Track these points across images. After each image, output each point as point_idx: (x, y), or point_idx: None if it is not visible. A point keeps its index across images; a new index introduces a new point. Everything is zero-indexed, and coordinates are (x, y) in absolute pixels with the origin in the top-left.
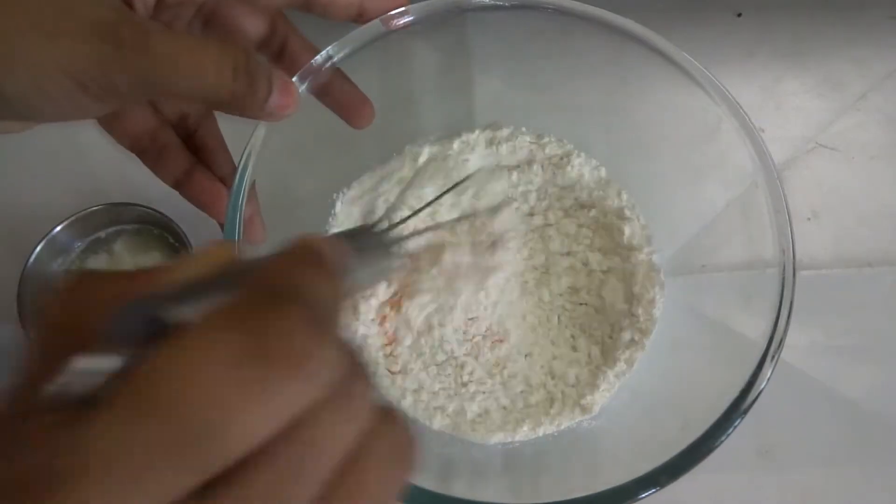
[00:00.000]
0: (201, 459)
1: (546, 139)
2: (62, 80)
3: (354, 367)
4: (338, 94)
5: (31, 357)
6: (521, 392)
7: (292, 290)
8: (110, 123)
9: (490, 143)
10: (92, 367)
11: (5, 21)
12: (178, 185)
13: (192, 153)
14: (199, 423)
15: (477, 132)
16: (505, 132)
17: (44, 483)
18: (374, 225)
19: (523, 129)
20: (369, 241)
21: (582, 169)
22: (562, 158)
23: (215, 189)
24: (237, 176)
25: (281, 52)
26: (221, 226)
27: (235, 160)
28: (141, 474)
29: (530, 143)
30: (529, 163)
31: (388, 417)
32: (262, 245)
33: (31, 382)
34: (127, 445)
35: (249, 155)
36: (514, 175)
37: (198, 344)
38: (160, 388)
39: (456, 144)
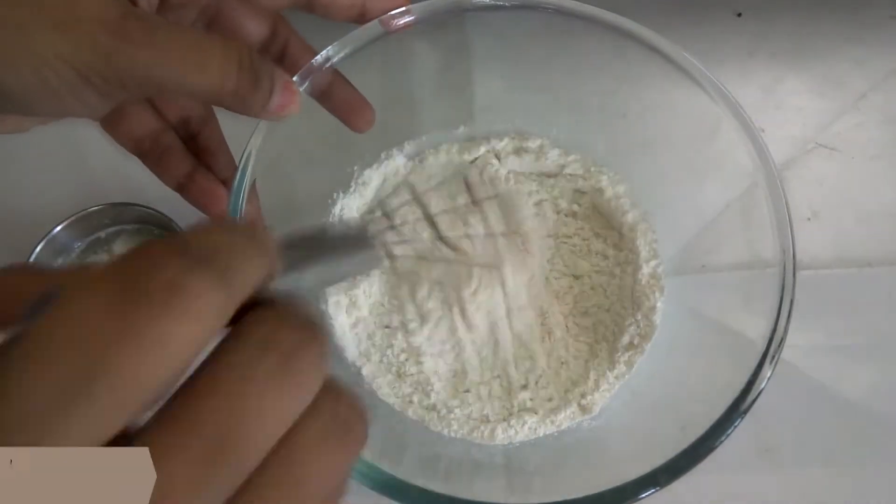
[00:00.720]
0: (86, 416)
1: (572, 156)
2: (66, 73)
3: (305, 329)
4: (338, 97)
5: None
6: (522, 393)
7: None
8: (112, 125)
9: (517, 152)
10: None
11: (8, 12)
12: (181, 188)
13: (193, 155)
14: (75, 376)
15: (506, 140)
16: (533, 143)
17: None
18: (346, 225)
19: (546, 138)
20: (336, 239)
21: (601, 181)
22: (586, 172)
23: (217, 192)
24: (237, 176)
25: (282, 54)
26: None
27: (236, 161)
28: (37, 422)
29: (557, 156)
30: (555, 175)
31: (331, 388)
32: None
33: None
34: (13, 393)
35: (250, 155)
36: (537, 184)
37: (74, 298)
38: (40, 346)
39: (482, 149)
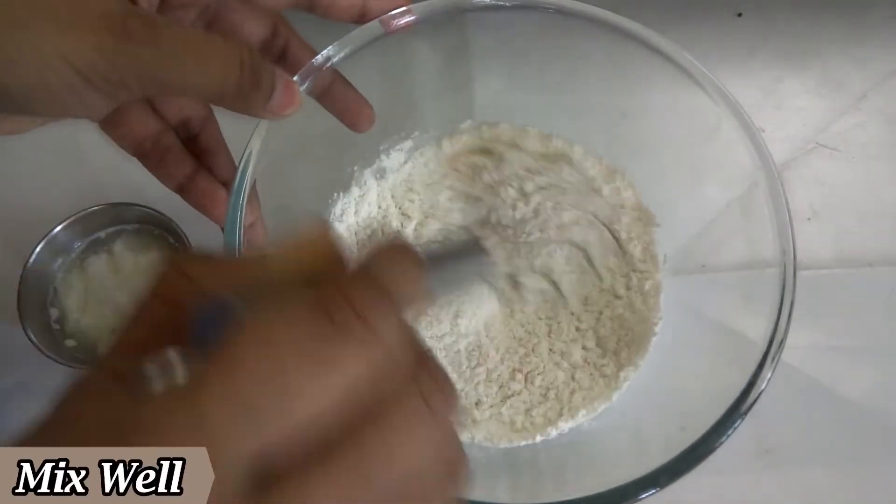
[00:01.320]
0: (268, 425)
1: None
2: (68, 73)
3: (447, 378)
4: (339, 98)
5: (128, 325)
6: (526, 400)
7: (373, 273)
8: (112, 127)
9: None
10: (181, 358)
11: (9, 12)
12: (181, 189)
13: (193, 156)
14: (263, 393)
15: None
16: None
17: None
18: (463, 247)
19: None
20: (455, 261)
21: (620, 190)
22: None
23: (217, 193)
24: (237, 176)
25: (282, 55)
26: (223, 229)
27: (236, 161)
28: (226, 430)
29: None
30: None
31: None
32: (263, 247)
33: (127, 350)
34: (217, 408)
35: (250, 155)
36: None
37: (271, 323)
38: (234, 367)
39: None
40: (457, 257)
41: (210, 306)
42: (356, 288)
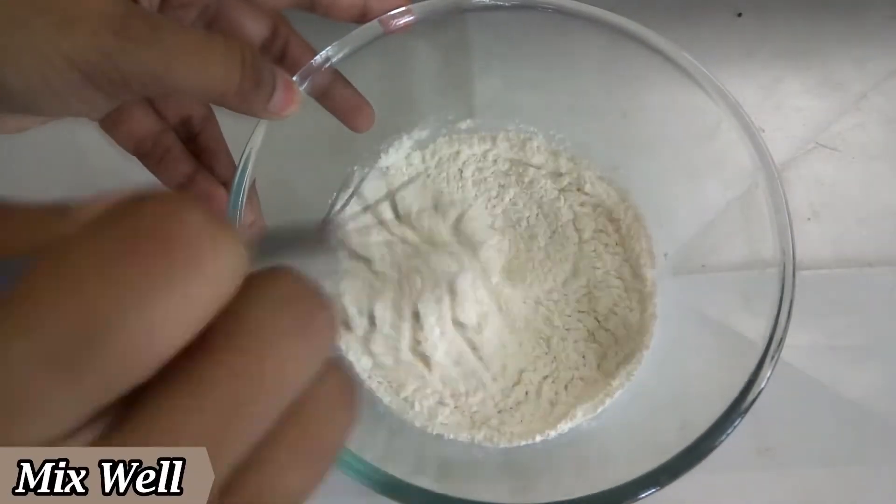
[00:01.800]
0: (90, 375)
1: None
2: (69, 72)
3: (313, 294)
4: (338, 98)
5: None
6: (523, 399)
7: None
8: (112, 126)
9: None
10: None
11: (10, 11)
12: (181, 189)
13: (193, 156)
14: (79, 331)
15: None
16: (535, 142)
17: None
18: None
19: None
20: (296, 239)
21: (605, 189)
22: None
23: (217, 193)
24: (237, 176)
25: (282, 54)
26: None
27: (236, 161)
28: (24, 399)
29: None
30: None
31: (333, 361)
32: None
33: None
34: (3, 360)
35: (250, 155)
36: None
37: (74, 247)
38: (34, 300)
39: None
40: (294, 249)
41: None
42: (175, 217)
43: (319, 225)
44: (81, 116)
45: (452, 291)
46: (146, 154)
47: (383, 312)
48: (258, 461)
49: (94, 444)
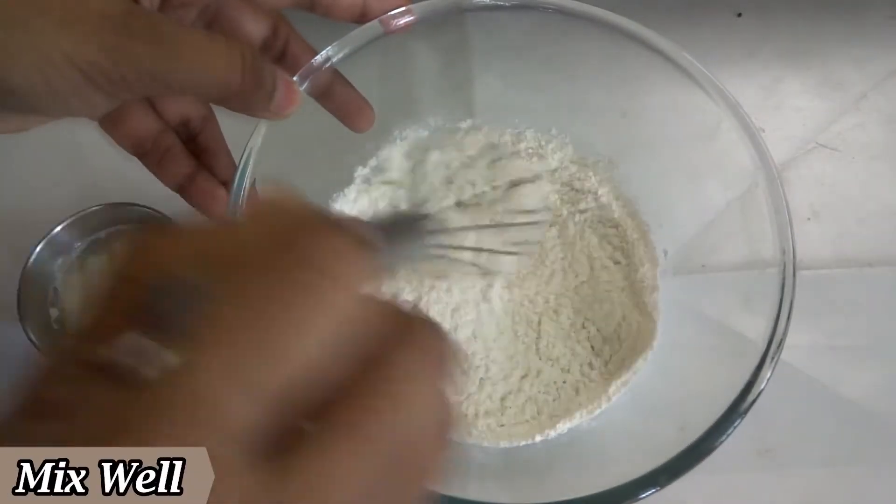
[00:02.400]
0: (268, 382)
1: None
2: (70, 72)
3: (449, 343)
4: (338, 98)
5: (92, 310)
6: (525, 399)
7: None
8: (112, 126)
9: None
10: (141, 345)
11: (11, 10)
12: (181, 189)
13: (194, 156)
14: (257, 346)
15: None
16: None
17: (123, 425)
18: (413, 215)
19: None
20: (405, 228)
21: (605, 189)
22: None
23: (217, 193)
24: (237, 176)
25: (282, 54)
26: None
27: (236, 160)
28: (216, 409)
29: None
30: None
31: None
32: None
33: (87, 335)
34: (197, 385)
35: (250, 155)
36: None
37: (247, 284)
38: (218, 326)
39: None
40: (403, 230)
41: (170, 286)
42: (321, 248)
43: (420, 218)
44: (82, 116)
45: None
46: (146, 154)
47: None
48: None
49: (268, 474)
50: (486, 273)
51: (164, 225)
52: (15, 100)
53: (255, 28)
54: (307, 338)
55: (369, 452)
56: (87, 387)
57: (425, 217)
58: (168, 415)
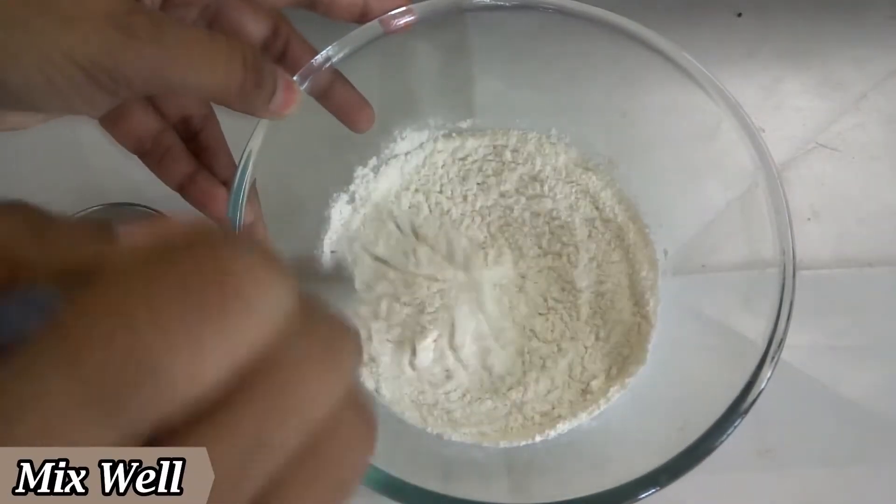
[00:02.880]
0: (130, 412)
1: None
2: (72, 70)
3: (339, 324)
4: (338, 98)
5: None
6: (525, 399)
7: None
8: (112, 124)
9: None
10: (14, 307)
11: (12, 10)
12: (181, 188)
13: (194, 155)
14: (126, 368)
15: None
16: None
17: None
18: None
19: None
20: (318, 272)
21: (607, 190)
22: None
23: (217, 192)
24: (237, 176)
25: (283, 53)
26: None
27: (236, 160)
28: (61, 427)
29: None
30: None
31: (357, 390)
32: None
33: None
34: (45, 394)
35: (250, 155)
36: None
37: (126, 278)
38: (82, 332)
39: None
40: (314, 281)
41: (16, 297)
42: (225, 252)
43: (334, 259)
44: (82, 114)
45: (452, 325)
46: (146, 153)
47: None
48: (275, 492)
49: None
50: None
51: (28, 209)
52: (14, 97)
53: (255, 28)
54: (196, 363)
55: (239, 430)
56: None
57: (335, 263)
58: None
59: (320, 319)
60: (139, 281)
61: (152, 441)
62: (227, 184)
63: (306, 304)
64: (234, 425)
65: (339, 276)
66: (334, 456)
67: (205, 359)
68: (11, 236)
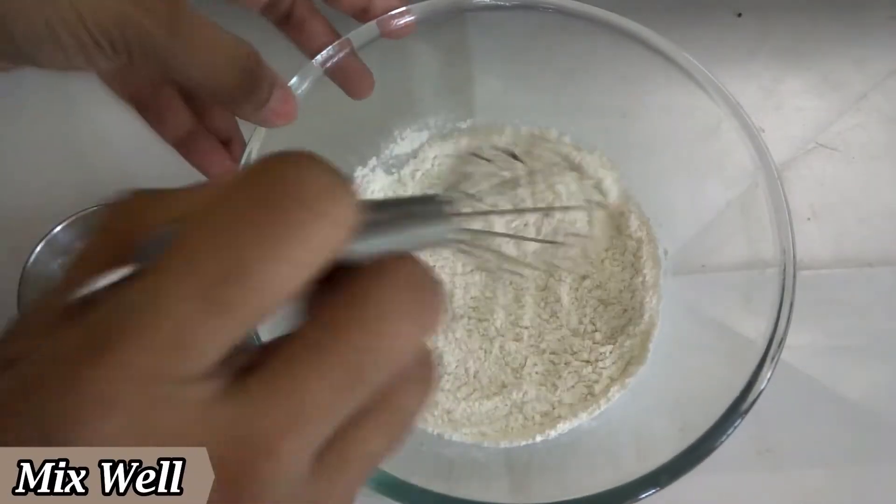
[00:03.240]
0: (237, 309)
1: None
2: (81, 31)
3: (432, 280)
4: (342, 64)
5: (72, 265)
6: (526, 399)
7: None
8: (111, 77)
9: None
10: (118, 278)
11: None
12: (179, 144)
13: (195, 114)
14: (228, 271)
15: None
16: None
17: (85, 351)
18: (429, 197)
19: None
20: (418, 209)
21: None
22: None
23: (217, 153)
24: None
25: (288, 15)
26: None
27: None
28: (183, 328)
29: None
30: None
31: (430, 349)
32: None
33: (63, 288)
34: (162, 303)
35: (249, 155)
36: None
37: (219, 204)
38: (189, 249)
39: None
40: (416, 211)
41: (147, 236)
42: (301, 179)
43: (439, 197)
44: (79, 70)
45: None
46: (145, 106)
47: None
48: (352, 426)
49: (228, 391)
50: (542, 270)
51: (145, 189)
52: (17, 50)
53: None
54: (282, 265)
55: (337, 366)
56: (47, 333)
57: (447, 200)
58: (122, 342)
59: (412, 274)
60: (228, 202)
61: (253, 369)
62: (227, 143)
63: (400, 259)
64: (331, 358)
65: (440, 215)
66: (403, 396)
67: (291, 256)
68: (142, 203)
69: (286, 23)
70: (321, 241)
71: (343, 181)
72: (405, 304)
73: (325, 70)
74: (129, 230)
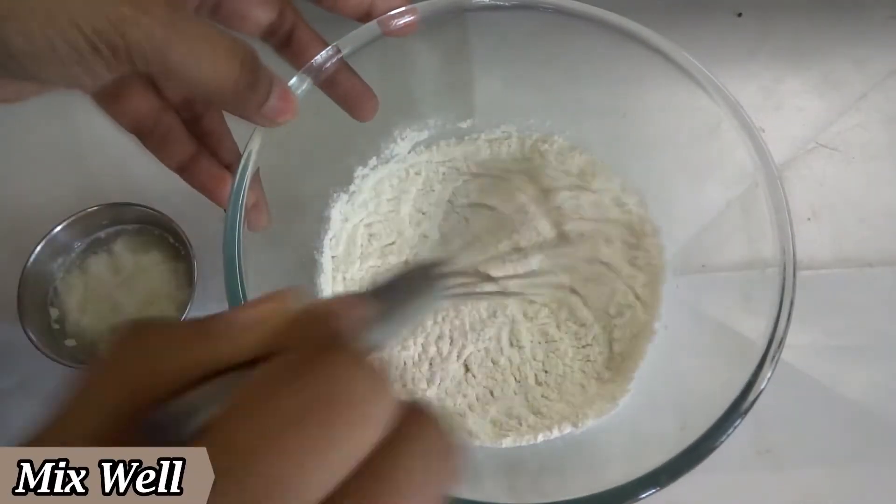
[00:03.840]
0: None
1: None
2: (75, 36)
3: (454, 444)
4: (343, 86)
5: (79, 403)
6: (527, 400)
7: (336, 340)
8: (111, 102)
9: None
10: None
11: None
12: (182, 169)
13: (196, 139)
14: (270, 483)
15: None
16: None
17: None
18: (420, 268)
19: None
20: (415, 280)
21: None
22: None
23: (221, 175)
24: (237, 176)
25: (288, 40)
26: (226, 211)
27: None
28: None
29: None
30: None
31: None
32: (264, 229)
33: (73, 435)
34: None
35: (250, 155)
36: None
37: (261, 406)
38: (236, 458)
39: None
40: (409, 289)
41: (173, 407)
42: (345, 381)
43: (426, 266)
44: (80, 86)
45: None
46: (146, 133)
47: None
48: None
49: None
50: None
51: (156, 320)
52: (15, 63)
53: (261, 13)
54: (324, 474)
55: None
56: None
57: (436, 264)
58: None
59: (437, 439)
60: (272, 406)
61: None
62: (230, 167)
63: (426, 422)
64: None
65: (430, 285)
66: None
67: (330, 468)
68: (158, 343)
69: (286, 47)
70: (362, 442)
71: (386, 380)
72: (429, 474)
73: (330, 94)
74: (145, 377)
